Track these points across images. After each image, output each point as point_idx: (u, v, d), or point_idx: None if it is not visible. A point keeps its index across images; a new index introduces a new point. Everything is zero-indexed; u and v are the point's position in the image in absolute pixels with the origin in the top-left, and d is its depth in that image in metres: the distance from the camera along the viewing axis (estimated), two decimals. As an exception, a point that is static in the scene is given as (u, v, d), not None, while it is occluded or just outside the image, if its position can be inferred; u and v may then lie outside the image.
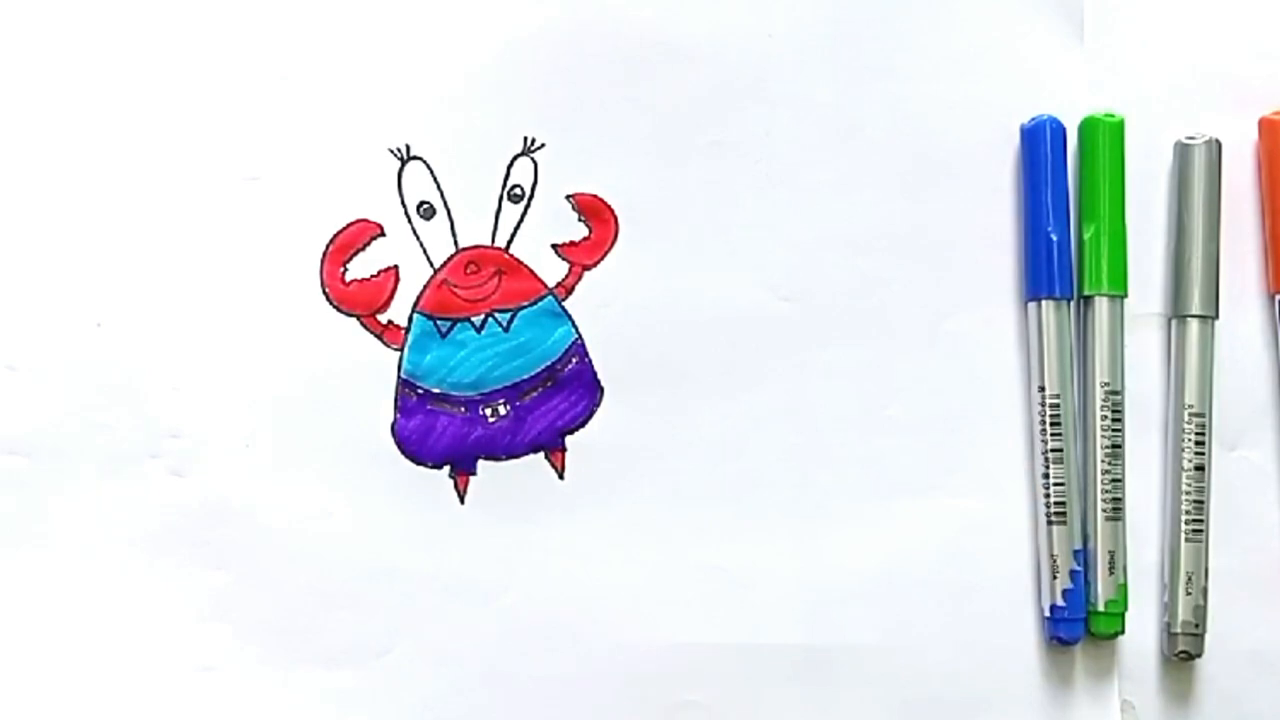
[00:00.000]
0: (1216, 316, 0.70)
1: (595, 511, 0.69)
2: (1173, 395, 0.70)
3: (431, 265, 0.70)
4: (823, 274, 0.70)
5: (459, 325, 0.70)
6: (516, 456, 0.70)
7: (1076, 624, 0.69)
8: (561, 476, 0.70)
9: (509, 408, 0.70)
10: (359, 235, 0.70)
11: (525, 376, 0.70)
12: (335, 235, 0.70)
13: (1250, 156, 0.72)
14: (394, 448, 0.69)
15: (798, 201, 0.71)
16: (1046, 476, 0.69)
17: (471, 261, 0.70)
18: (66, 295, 0.69)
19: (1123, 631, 0.69)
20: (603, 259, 0.70)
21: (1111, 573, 0.69)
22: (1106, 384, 0.69)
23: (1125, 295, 0.70)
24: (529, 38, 0.71)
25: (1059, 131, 0.70)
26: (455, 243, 0.70)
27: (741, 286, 0.70)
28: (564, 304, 0.70)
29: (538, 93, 0.71)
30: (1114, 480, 0.69)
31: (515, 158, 0.71)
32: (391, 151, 0.70)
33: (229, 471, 0.69)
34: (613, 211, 0.71)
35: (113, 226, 0.69)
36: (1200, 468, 0.69)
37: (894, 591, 0.69)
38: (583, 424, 0.70)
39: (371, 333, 0.70)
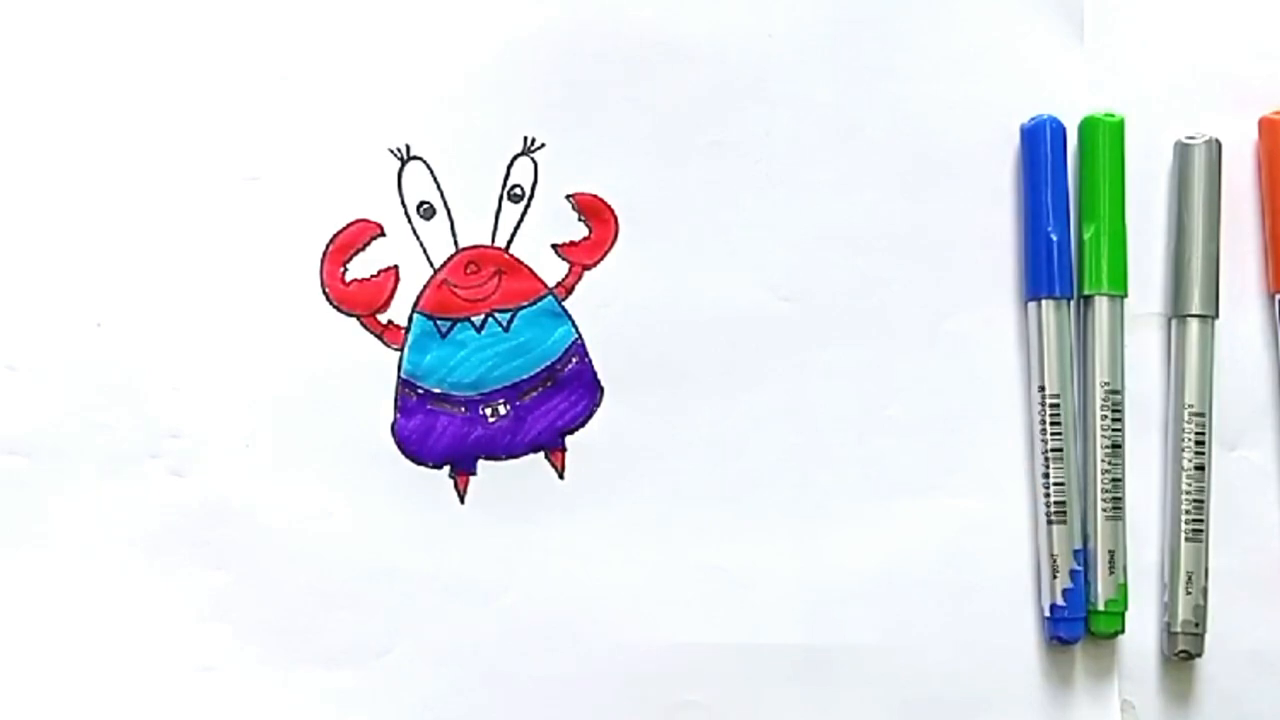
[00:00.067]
0: (1216, 316, 0.70)
1: (595, 511, 0.69)
2: (1173, 395, 0.70)
3: (431, 265, 0.70)
4: (823, 274, 0.70)
5: (459, 325, 0.70)
6: (516, 456, 0.70)
7: (1076, 624, 0.69)
8: (561, 476, 0.70)
9: (509, 408, 0.70)
10: (359, 235, 0.70)
11: (525, 376, 0.70)
12: (335, 235, 0.70)
13: (1250, 156, 0.72)
14: (394, 448, 0.69)
15: (798, 201, 0.71)
16: (1046, 476, 0.69)
17: (471, 261, 0.70)
18: (66, 295, 0.69)
19: (1123, 631, 0.69)
20: (603, 259, 0.70)
21: (1111, 572, 0.69)
22: (1106, 384, 0.69)
23: (1125, 295, 0.70)
24: (529, 38, 0.71)
25: (1059, 131, 0.70)
26: (455, 243, 0.70)
27: (741, 286, 0.70)
28: (564, 304, 0.70)
29: (538, 93, 0.71)
30: (1114, 480, 0.69)
31: (515, 158, 0.71)
32: (391, 151, 0.70)
33: (229, 471, 0.69)
34: (613, 211, 0.71)
35: (113, 226, 0.69)
36: (1200, 468, 0.69)
37: (894, 591, 0.69)
38: (583, 424, 0.70)
39: (371, 333, 0.70)
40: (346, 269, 0.70)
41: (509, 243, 0.70)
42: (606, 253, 0.70)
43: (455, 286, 0.70)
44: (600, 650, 0.69)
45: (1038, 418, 0.69)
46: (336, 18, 0.71)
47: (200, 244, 0.70)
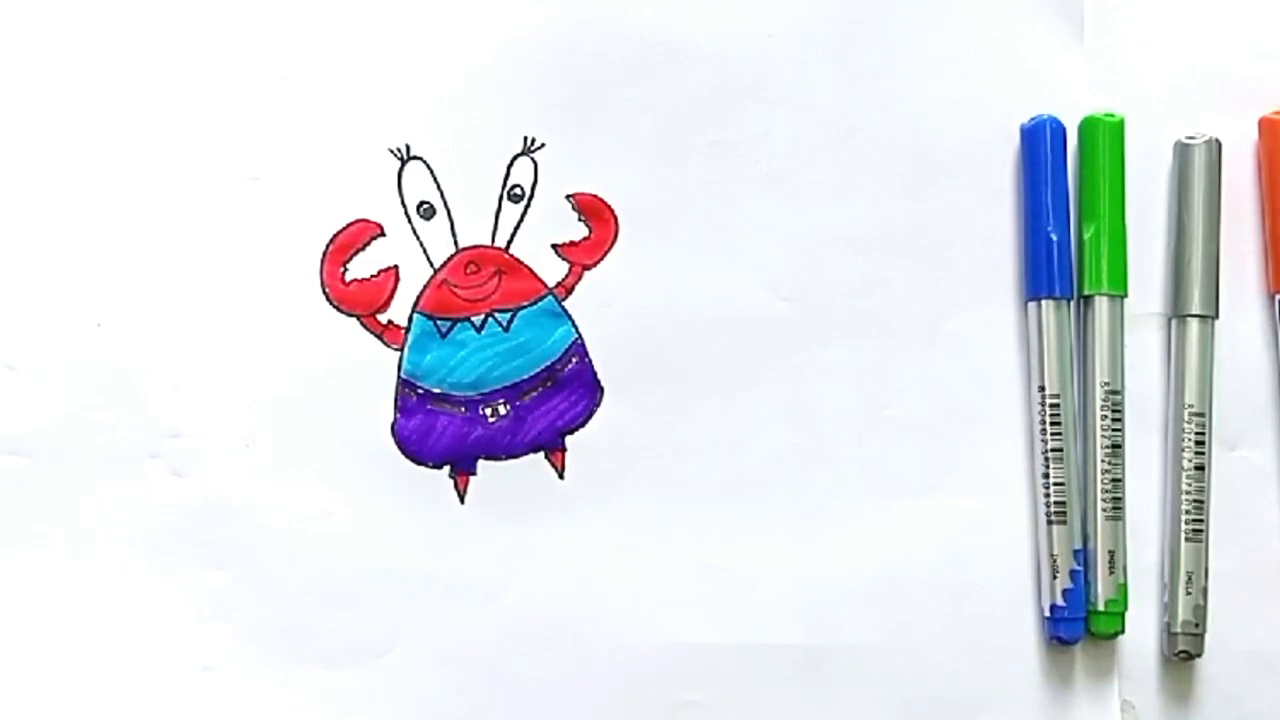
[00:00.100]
0: (1216, 316, 0.70)
1: (595, 511, 0.69)
2: (1173, 395, 0.70)
3: (431, 265, 0.70)
4: (823, 274, 0.70)
5: (459, 325, 0.70)
6: (516, 456, 0.70)
7: (1076, 624, 0.69)
8: (561, 476, 0.70)
9: (509, 408, 0.70)
10: (359, 235, 0.70)
11: (525, 376, 0.70)
12: (335, 235, 0.70)
13: (1250, 156, 0.72)
14: (394, 448, 0.69)
15: (798, 201, 0.71)
16: (1046, 476, 0.69)
17: (471, 261, 0.70)
18: (66, 295, 0.69)
19: (1123, 631, 0.69)
20: (603, 259, 0.70)
21: (1111, 572, 0.69)
22: (1106, 384, 0.69)
23: (1125, 295, 0.70)
24: (529, 38, 0.71)
25: (1059, 131, 0.70)
26: (455, 243, 0.70)
27: (741, 286, 0.70)
28: (564, 304, 0.70)
29: (538, 93, 0.71)
30: (1114, 480, 0.69)
31: (515, 158, 0.71)
32: (391, 151, 0.70)
33: (229, 471, 0.69)
34: (613, 211, 0.71)
35: (113, 226, 0.69)
36: (1200, 468, 0.69)
37: (894, 591, 0.69)
38: (583, 424, 0.70)
39: (371, 333, 0.70)
40: (346, 269, 0.70)
41: (509, 243, 0.70)
42: (606, 253, 0.70)
43: (455, 286, 0.70)
44: (600, 650, 0.69)
45: (1038, 418, 0.69)
46: (336, 18, 0.71)
47: (200, 244, 0.70)
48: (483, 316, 0.70)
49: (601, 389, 0.70)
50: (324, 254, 0.70)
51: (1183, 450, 0.69)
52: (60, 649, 0.68)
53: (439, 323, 0.70)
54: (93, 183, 0.70)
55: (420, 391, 0.70)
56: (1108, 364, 0.70)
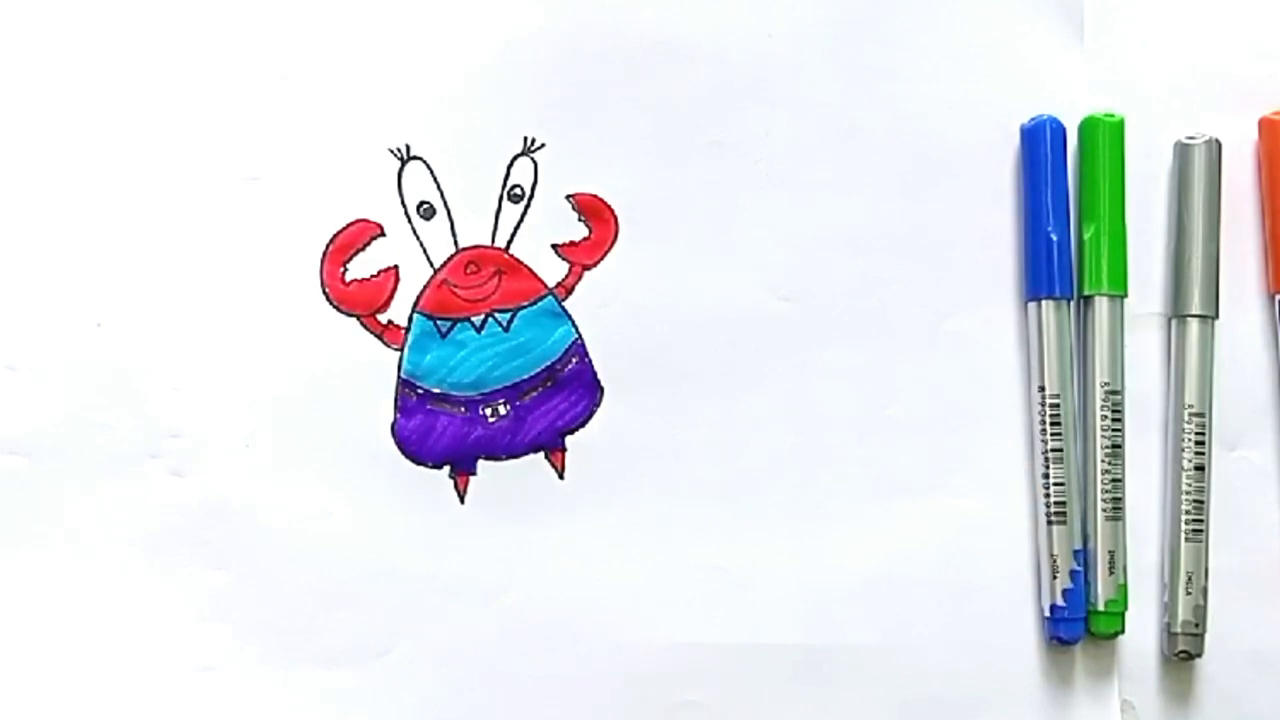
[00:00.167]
0: (1216, 316, 0.70)
1: (595, 511, 0.69)
2: (1173, 395, 0.70)
3: (431, 265, 0.70)
4: (823, 274, 0.70)
5: (459, 325, 0.70)
6: (516, 456, 0.70)
7: (1076, 624, 0.69)
8: (561, 476, 0.70)
9: (509, 408, 0.70)
10: (359, 235, 0.70)
11: (525, 376, 0.70)
12: (335, 235, 0.70)
13: (1250, 156, 0.72)
14: (394, 448, 0.69)
15: (798, 201, 0.71)
16: (1046, 476, 0.69)
17: (471, 261, 0.70)
18: (66, 295, 0.69)
19: (1123, 631, 0.69)
20: (603, 259, 0.70)
21: (1111, 573, 0.69)
22: (1106, 384, 0.69)
23: (1125, 295, 0.70)
24: (529, 38, 0.71)
25: (1059, 131, 0.70)
26: (455, 243, 0.70)
27: (741, 286, 0.70)
28: (564, 304, 0.70)
29: (538, 93, 0.71)
30: (1114, 480, 0.69)
31: (515, 158, 0.71)
32: (391, 151, 0.70)
33: (229, 471, 0.69)
34: (613, 211, 0.71)
35: (113, 226, 0.69)
36: (1200, 468, 0.69)
37: (894, 591, 0.69)
38: (583, 424, 0.70)
39: (371, 333, 0.70)
40: (346, 269, 0.70)
41: (509, 243, 0.70)
42: (606, 253, 0.70)
43: (455, 286, 0.70)
44: (600, 650, 0.69)
45: (1038, 418, 0.69)
46: (336, 18, 0.71)
47: (200, 244, 0.70)
48: (483, 316, 0.70)
49: (601, 389, 0.70)
50: (324, 254, 0.70)
51: (1183, 450, 0.69)
52: (60, 649, 0.68)
53: (439, 323, 0.70)
54: (93, 183, 0.70)
55: (420, 391, 0.70)
56: (1108, 364, 0.69)
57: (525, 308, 0.70)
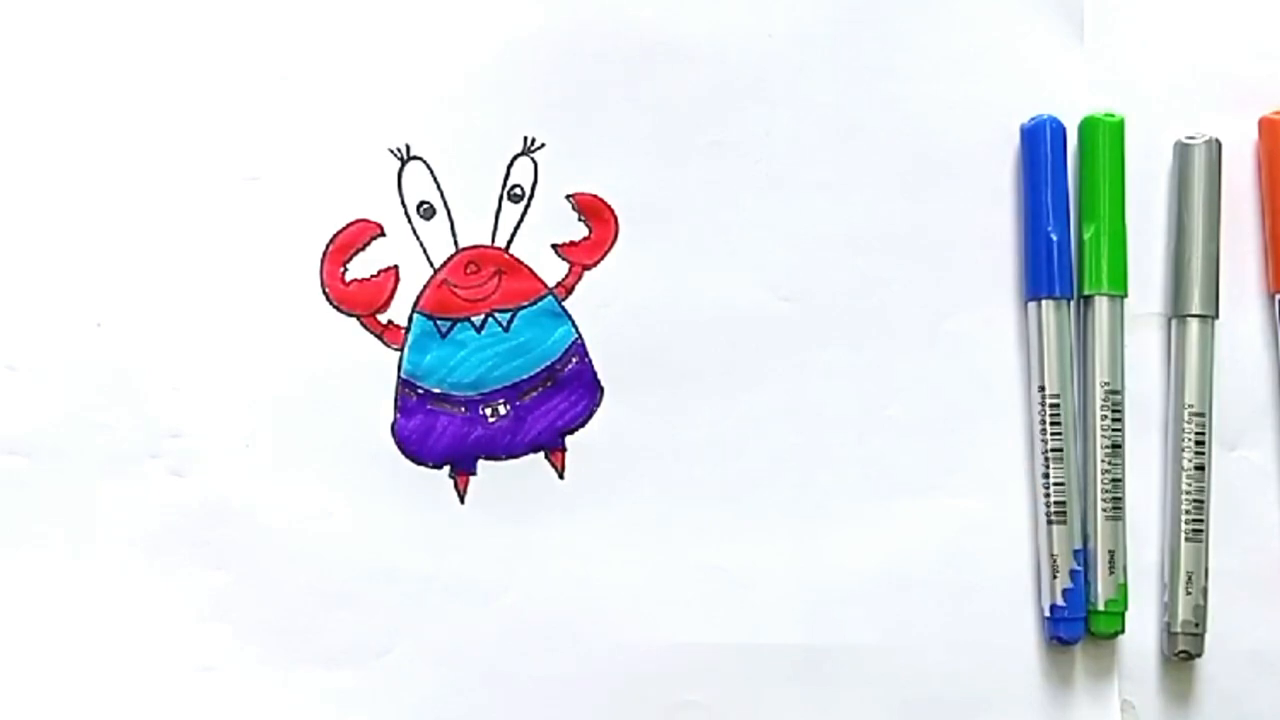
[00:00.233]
0: (1216, 316, 0.70)
1: (595, 511, 0.69)
2: (1173, 395, 0.70)
3: (431, 265, 0.70)
4: (823, 274, 0.70)
5: (459, 325, 0.70)
6: (516, 456, 0.70)
7: (1076, 624, 0.69)
8: (561, 476, 0.70)
9: (509, 408, 0.70)
10: (359, 235, 0.70)
11: (525, 376, 0.70)
12: (335, 235, 0.70)
13: (1250, 156, 0.72)
14: (394, 448, 0.69)
15: (798, 201, 0.71)
16: (1046, 476, 0.69)
17: (471, 261, 0.70)
18: (66, 295, 0.69)
19: (1123, 631, 0.69)
20: (603, 259, 0.70)
21: (1111, 572, 0.69)
22: (1106, 384, 0.69)
23: (1125, 295, 0.70)
24: (529, 38, 0.71)
25: (1059, 131, 0.70)
26: (455, 243, 0.70)
27: (741, 286, 0.70)
28: (564, 304, 0.70)
29: (538, 93, 0.71)
30: (1114, 480, 0.69)
31: (515, 158, 0.71)
32: (391, 151, 0.70)
33: (229, 471, 0.69)
34: (613, 211, 0.71)
35: (113, 226, 0.69)
36: (1200, 468, 0.69)
37: (894, 591, 0.69)
38: (583, 424, 0.70)
39: (371, 333, 0.70)
40: (346, 269, 0.70)
41: (509, 243, 0.70)
42: (606, 253, 0.70)
43: (455, 286, 0.70)
44: (600, 650, 0.69)
45: (1038, 418, 0.69)
46: (336, 18, 0.71)
47: (200, 244, 0.70)
48: (483, 316, 0.70)
49: (601, 389, 0.70)
50: (324, 254, 0.70)
51: (1183, 450, 0.69)
52: (60, 649, 0.68)
53: (439, 323, 0.70)
54: (93, 183, 0.70)
55: (420, 391, 0.70)
56: (1108, 364, 0.69)
57: (525, 308, 0.70)
